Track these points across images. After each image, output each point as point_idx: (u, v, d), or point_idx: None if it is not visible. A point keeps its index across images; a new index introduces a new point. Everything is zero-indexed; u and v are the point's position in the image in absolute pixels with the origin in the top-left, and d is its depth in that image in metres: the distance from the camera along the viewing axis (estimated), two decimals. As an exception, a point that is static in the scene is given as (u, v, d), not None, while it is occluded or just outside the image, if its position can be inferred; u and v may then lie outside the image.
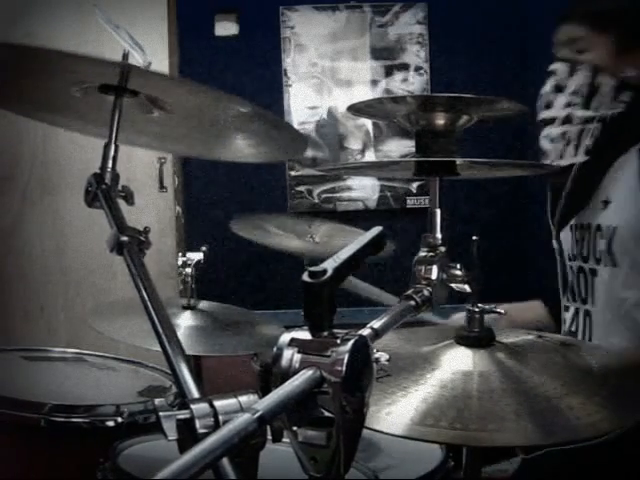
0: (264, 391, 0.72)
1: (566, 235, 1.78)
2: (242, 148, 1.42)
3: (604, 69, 1.63)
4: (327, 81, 3.61)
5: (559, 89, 1.66)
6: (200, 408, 0.72)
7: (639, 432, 1.13)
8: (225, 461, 0.74)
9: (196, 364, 1.92)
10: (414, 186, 3.61)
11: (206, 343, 1.87)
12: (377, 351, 0.80)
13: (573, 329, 1.74)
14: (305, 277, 0.74)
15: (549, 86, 1.68)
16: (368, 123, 3.61)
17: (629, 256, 1.60)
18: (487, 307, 1.13)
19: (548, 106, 1.68)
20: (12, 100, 1.31)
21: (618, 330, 1.63)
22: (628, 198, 1.61)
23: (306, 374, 0.72)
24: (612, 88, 1.62)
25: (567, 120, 1.65)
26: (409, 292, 0.99)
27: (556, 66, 1.68)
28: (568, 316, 1.76)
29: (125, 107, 1.19)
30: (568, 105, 1.65)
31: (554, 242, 1.80)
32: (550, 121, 1.67)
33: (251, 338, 1.95)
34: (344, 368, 0.72)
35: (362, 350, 0.75)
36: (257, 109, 1.20)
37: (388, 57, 3.62)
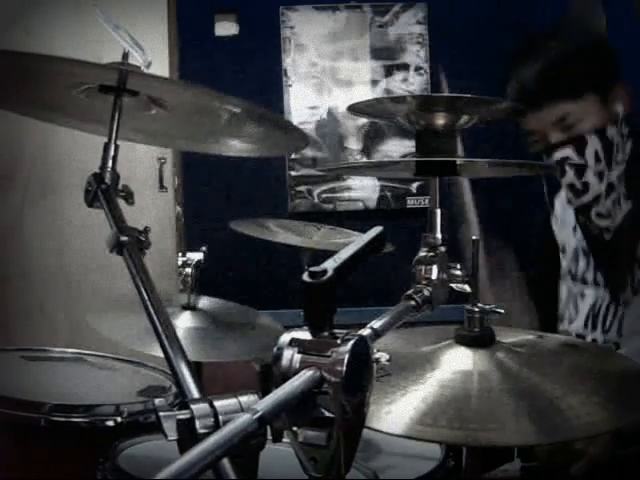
0: (264, 391, 0.72)
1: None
2: (242, 145, 1.42)
3: (606, 124, 1.61)
4: (327, 81, 3.61)
5: (581, 171, 1.62)
6: (200, 408, 0.72)
7: None
8: (225, 461, 0.74)
9: (197, 368, 1.92)
10: (414, 186, 3.61)
11: (206, 347, 1.87)
12: (377, 351, 0.80)
13: None
14: (305, 277, 0.74)
15: (571, 174, 1.63)
16: (368, 123, 3.61)
17: None
18: (487, 307, 1.13)
19: (585, 191, 1.63)
20: (12, 100, 1.32)
21: None
22: None
23: (306, 374, 0.72)
24: (618, 134, 1.61)
25: (610, 189, 1.63)
26: (409, 292, 0.99)
27: (563, 153, 1.62)
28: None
29: (124, 104, 1.19)
30: (601, 178, 1.61)
31: (592, 281, 1.76)
32: (595, 201, 1.64)
33: (251, 341, 1.95)
34: (344, 368, 0.72)
35: (362, 350, 0.75)
36: (254, 108, 1.21)
37: (388, 57, 3.61)
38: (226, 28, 3.58)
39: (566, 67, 1.65)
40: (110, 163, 1.20)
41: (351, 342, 0.74)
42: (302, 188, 3.60)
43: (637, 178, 1.63)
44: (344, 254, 0.80)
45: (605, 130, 1.60)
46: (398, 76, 3.62)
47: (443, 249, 1.05)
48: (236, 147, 1.44)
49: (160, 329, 0.99)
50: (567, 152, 1.62)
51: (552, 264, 1.88)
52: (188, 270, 1.91)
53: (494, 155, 1.09)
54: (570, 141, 1.62)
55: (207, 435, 0.64)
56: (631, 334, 1.65)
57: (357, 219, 3.53)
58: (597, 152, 1.61)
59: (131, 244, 1.09)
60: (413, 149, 1.08)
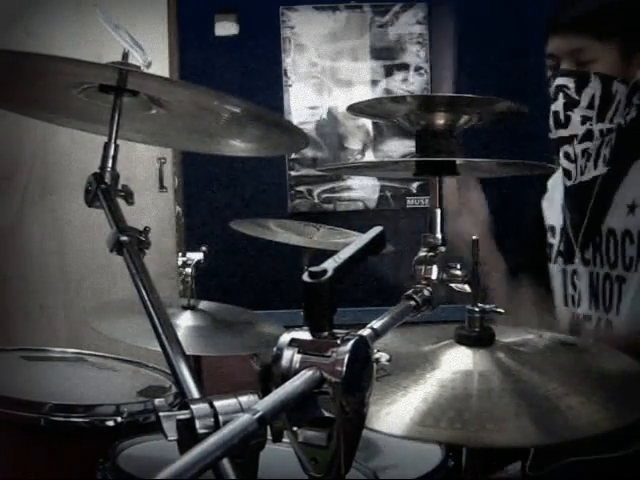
0: (264, 391, 0.72)
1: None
2: (242, 144, 1.42)
3: (615, 77, 1.59)
4: (327, 81, 3.61)
5: (571, 105, 1.61)
6: (200, 408, 0.72)
7: None
8: (225, 461, 0.74)
9: (196, 364, 1.92)
10: (414, 186, 3.61)
11: (206, 343, 1.87)
12: (377, 351, 0.80)
13: None
14: (305, 277, 0.74)
15: (560, 103, 1.62)
16: (368, 123, 3.61)
17: None
18: (487, 307, 1.13)
19: (564, 124, 1.62)
20: (12, 100, 1.32)
21: None
22: None
23: (306, 374, 0.72)
24: (625, 95, 1.58)
25: (587, 137, 1.60)
26: (409, 292, 0.99)
27: (563, 80, 1.62)
28: (591, 326, 1.70)
29: (124, 104, 1.19)
30: (585, 121, 1.60)
31: (576, 259, 1.74)
32: (569, 139, 1.62)
33: (251, 338, 1.95)
34: (344, 368, 0.72)
35: (362, 350, 0.75)
36: (254, 108, 1.21)
37: (388, 57, 3.61)
38: (226, 28, 3.58)
39: (605, 4, 1.64)
40: (110, 163, 1.20)
41: (351, 342, 0.74)
42: (302, 188, 3.60)
43: (625, 149, 1.61)
44: (344, 254, 0.80)
45: (613, 82, 1.59)
46: (398, 76, 3.62)
47: (443, 249, 1.05)
48: (236, 147, 1.44)
49: (160, 329, 0.99)
50: (567, 81, 1.61)
51: (540, 249, 1.87)
52: (188, 270, 1.91)
53: (494, 155, 1.09)
54: (574, 72, 1.61)
55: (207, 435, 0.64)
56: (628, 312, 1.63)
57: (357, 219, 3.52)
58: (594, 96, 1.59)
59: (131, 244, 1.09)
60: (413, 149, 1.08)
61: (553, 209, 1.83)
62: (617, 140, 1.60)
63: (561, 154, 1.65)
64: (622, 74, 1.59)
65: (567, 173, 1.67)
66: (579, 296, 1.74)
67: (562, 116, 1.62)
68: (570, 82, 1.61)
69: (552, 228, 1.83)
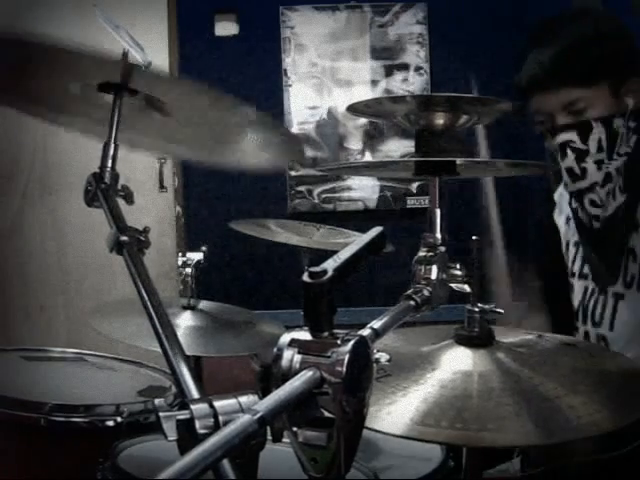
0: (264, 391, 0.72)
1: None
2: (242, 153, 1.42)
3: (614, 115, 1.60)
4: (327, 81, 3.61)
5: (583, 156, 1.61)
6: (200, 408, 0.72)
7: None
8: (225, 461, 0.74)
9: (196, 364, 1.92)
10: (414, 186, 3.61)
11: (206, 343, 1.87)
12: (377, 351, 0.80)
13: None
14: (305, 277, 0.74)
15: (571, 158, 1.62)
16: (368, 123, 3.61)
17: None
18: (487, 307, 1.13)
19: (581, 177, 1.63)
20: (10, 95, 1.31)
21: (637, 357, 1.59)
22: None
23: (306, 375, 0.72)
24: (624, 126, 1.60)
25: (607, 179, 1.62)
26: (409, 292, 0.99)
27: (567, 136, 1.62)
28: (579, 337, 1.73)
29: (124, 110, 1.19)
30: (600, 166, 1.61)
31: (575, 270, 1.76)
32: (591, 188, 1.63)
33: (251, 338, 1.95)
34: (344, 369, 0.72)
35: (362, 351, 0.75)
36: (254, 109, 1.20)
37: (388, 57, 3.62)
38: (226, 28, 3.58)
39: (584, 52, 1.64)
40: (110, 163, 1.20)
41: (351, 342, 0.74)
42: (302, 188, 3.60)
43: (636, 173, 1.62)
44: (344, 254, 0.80)
45: (613, 120, 1.60)
46: (398, 76, 3.62)
47: (443, 249, 1.05)
48: (236, 157, 1.44)
49: (160, 329, 0.99)
50: (571, 135, 1.62)
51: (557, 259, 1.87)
52: (188, 270, 1.91)
53: (494, 155, 1.09)
54: (576, 125, 1.62)
55: (207, 435, 0.64)
56: (626, 329, 1.64)
57: (357, 219, 3.53)
58: (600, 140, 1.60)
59: (131, 244, 1.09)
60: (413, 149, 1.08)
61: (564, 223, 1.84)
62: (625, 166, 1.61)
63: (586, 203, 1.66)
64: (617, 109, 1.61)
65: (596, 218, 1.67)
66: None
67: (577, 170, 1.63)
68: (574, 135, 1.61)
69: (567, 244, 1.83)
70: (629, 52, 1.67)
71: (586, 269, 1.74)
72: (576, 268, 1.78)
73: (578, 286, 1.76)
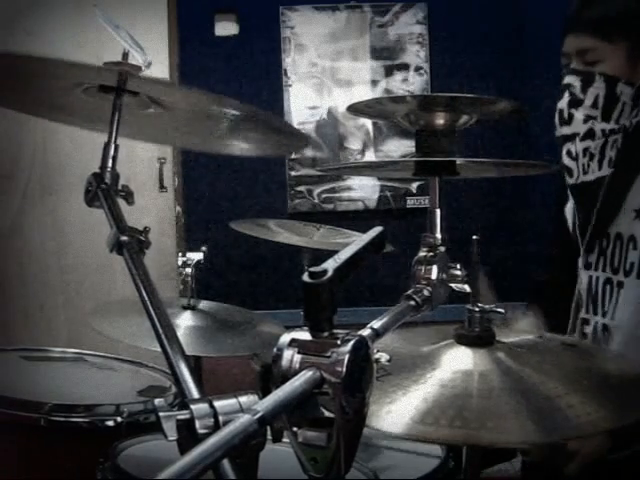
0: (264, 391, 0.72)
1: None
2: (241, 145, 1.42)
3: (620, 78, 1.59)
4: (327, 81, 3.61)
5: (576, 103, 1.62)
6: (200, 408, 0.72)
7: None
8: (225, 461, 0.74)
9: (196, 364, 1.92)
10: (414, 186, 3.61)
11: (206, 343, 1.87)
12: (377, 351, 0.80)
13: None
14: (305, 277, 0.74)
15: (565, 101, 1.63)
16: (368, 123, 3.61)
17: None
18: (487, 307, 1.13)
19: (567, 122, 1.64)
20: (12, 98, 1.31)
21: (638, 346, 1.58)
22: None
23: (306, 375, 0.72)
24: (631, 97, 1.59)
25: (589, 135, 1.61)
26: (409, 292, 0.99)
27: (570, 79, 1.63)
28: (589, 330, 1.71)
29: (124, 103, 1.19)
30: (588, 119, 1.61)
31: (580, 260, 1.73)
32: (571, 137, 1.64)
33: (251, 338, 1.95)
34: (344, 369, 0.72)
35: (362, 351, 0.75)
36: (254, 111, 1.21)
37: (388, 57, 3.61)
38: (226, 28, 3.58)
39: (609, 3, 1.66)
40: (110, 163, 1.20)
41: (351, 342, 0.74)
42: (302, 188, 3.60)
43: (634, 152, 1.61)
44: (344, 254, 0.80)
45: (617, 83, 1.59)
46: (398, 76, 3.62)
47: (443, 249, 1.05)
48: (236, 147, 1.44)
49: (160, 329, 0.99)
50: (574, 80, 1.63)
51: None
52: (188, 270, 1.91)
53: (494, 155, 1.09)
54: (580, 72, 1.63)
55: (207, 435, 0.64)
56: (627, 317, 1.63)
57: (357, 219, 3.53)
58: (598, 96, 1.60)
59: (131, 244, 1.09)
60: (413, 149, 1.08)
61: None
62: (624, 142, 1.60)
63: (563, 151, 1.66)
64: (628, 76, 1.60)
65: (569, 171, 1.67)
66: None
67: (566, 114, 1.64)
68: (576, 81, 1.62)
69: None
70: None
71: (590, 258, 1.72)
72: (581, 260, 1.76)
73: (584, 276, 1.74)
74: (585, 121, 1.61)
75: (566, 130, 1.64)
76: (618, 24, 1.63)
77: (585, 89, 1.61)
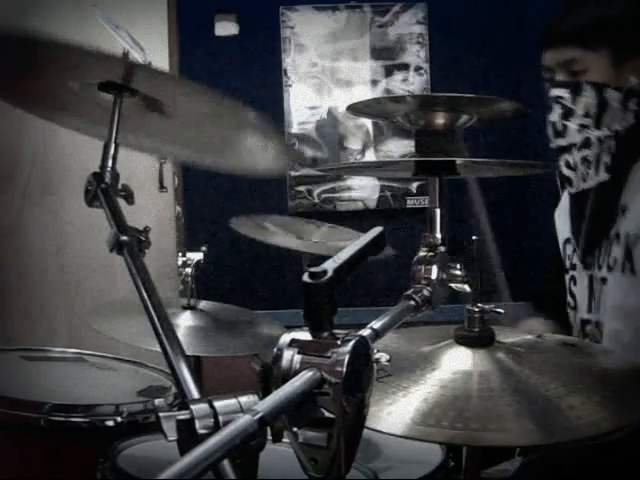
0: (264, 392, 0.72)
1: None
2: (241, 156, 1.42)
3: (608, 84, 1.61)
4: (327, 81, 3.61)
5: (568, 115, 1.63)
6: (200, 409, 0.72)
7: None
8: (225, 461, 0.74)
9: (196, 364, 1.92)
10: (414, 186, 3.61)
11: (206, 343, 1.87)
12: (377, 351, 0.80)
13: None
14: (305, 278, 0.74)
15: (557, 113, 1.64)
16: (368, 123, 3.61)
17: None
18: (487, 307, 1.13)
19: (561, 134, 1.65)
20: (10, 92, 1.30)
21: (631, 342, 1.59)
22: None
23: (306, 375, 0.72)
24: (620, 101, 1.61)
25: (585, 144, 1.63)
26: (409, 292, 0.99)
27: (558, 91, 1.64)
28: (590, 330, 1.72)
29: (124, 111, 1.19)
30: (582, 128, 1.62)
31: (579, 263, 1.75)
32: (567, 148, 1.65)
33: (251, 338, 1.95)
34: (344, 369, 0.72)
35: (362, 351, 0.75)
36: (252, 112, 1.20)
37: (388, 57, 3.61)
38: (226, 28, 3.58)
39: (588, 11, 1.68)
40: (110, 163, 1.20)
41: (351, 343, 0.74)
42: (302, 188, 3.60)
43: (626, 156, 1.63)
44: (344, 255, 0.80)
45: (606, 89, 1.61)
46: (398, 76, 3.62)
47: (443, 249, 1.05)
48: (233, 159, 1.43)
49: (160, 329, 0.99)
50: (562, 92, 1.64)
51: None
52: (188, 270, 1.91)
53: (494, 155, 1.09)
54: (568, 83, 1.64)
55: (207, 436, 0.64)
56: (613, 312, 1.64)
57: (357, 219, 3.52)
58: (588, 104, 1.62)
59: (131, 244, 1.09)
60: (413, 149, 1.08)
61: (567, 220, 1.84)
62: (617, 146, 1.62)
63: (562, 163, 1.67)
64: (615, 82, 1.62)
65: (568, 181, 1.69)
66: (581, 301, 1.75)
67: (559, 126, 1.65)
68: (565, 92, 1.64)
69: (569, 239, 1.83)
70: (638, 24, 1.67)
71: (589, 258, 1.73)
72: (577, 259, 1.77)
73: (581, 276, 1.75)
74: (579, 131, 1.63)
75: (561, 142, 1.66)
76: (599, 32, 1.64)
77: (575, 99, 1.63)
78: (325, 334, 0.75)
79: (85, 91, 1.21)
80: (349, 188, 3.61)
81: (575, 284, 1.78)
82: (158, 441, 1.53)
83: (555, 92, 1.65)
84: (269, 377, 0.74)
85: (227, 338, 1.92)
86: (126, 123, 1.19)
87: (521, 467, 1.73)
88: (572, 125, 1.63)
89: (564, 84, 1.64)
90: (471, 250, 1.14)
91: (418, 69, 3.61)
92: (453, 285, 1.05)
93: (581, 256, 1.74)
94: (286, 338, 0.75)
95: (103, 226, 1.13)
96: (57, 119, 1.48)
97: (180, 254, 1.97)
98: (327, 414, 0.73)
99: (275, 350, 0.75)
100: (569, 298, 1.79)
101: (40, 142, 3.27)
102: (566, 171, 1.67)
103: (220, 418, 0.72)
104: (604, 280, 1.67)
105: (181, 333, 1.83)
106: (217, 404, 0.73)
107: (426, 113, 1.05)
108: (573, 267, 1.79)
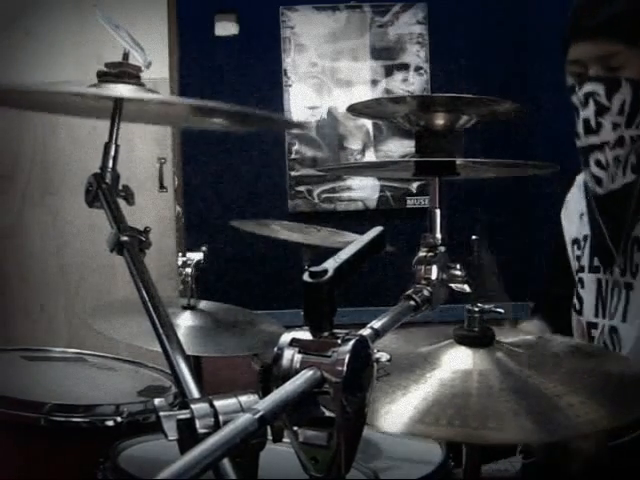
0: (264, 391, 0.72)
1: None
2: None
3: None
4: (327, 81, 3.61)
5: (603, 111, 1.58)
6: (200, 408, 0.72)
7: None
8: (225, 461, 0.74)
9: (196, 364, 1.92)
10: (414, 186, 3.61)
11: (206, 343, 1.87)
12: (377, 351, 0.80)
13: None
14: (305, 277, 0.74)
15: (591, 109, 1.59)
16: (368, 123, 3.61)
17: None
18: (487, 307, 1.13)
19: (595, 131, 1.60)
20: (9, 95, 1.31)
21: None
22: None
23: (307, 374, 0.72)
24: None
25: (619, 143, 1.58)
26: (409, 292, 0.99)
27: (593, 87, 1.59)
28: (597, 334, 1.71)
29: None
30: (615, 127, 1.58)
31: (586, 265, 1.73)
32: (600, 146, 1.60)
33: (251, 338, 1.95)
34: (345, 368, 0.72)
35: (363, 350, 0.75)
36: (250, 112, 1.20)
37: (388, 57, 3.62)
38: (226, 28, 3.58)
39: (632, 6, 1.61)
40: (110, 163, 1.20)
41: (351, 342, 0.74)
42: (302, 188, 3.60)
43: None
44: (344, 254, 0.80)
45: (638, 90, 1.56)
46: (398, 76, 3.62)
47: (443, 249, 1.06)
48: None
49: (160, 329, 0.99)
50: (597, 88, 1.59)
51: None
52: (188, 270, 1.91)
53: (494, 155, 1.09)
54: (605, 79, 1.59)
55: (207, 435, 0.64)
56: (637, 319, 1.62)
57: (357, 219, 3.53)
58: (624, 102, 1.57)
59: (131, 244, 1.09)
60: (413, 149, 1.08)
61: (575, 221, 1.82)
62: None
63: (591, 161, 1.62)
64: None
65: (598, 181, 1.64)
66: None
67: (593, 123, 1.60)
68: (600, 88, 1.59)
69: (576, 240, 1.81)
70: None
71: (596, 262, 1.71)
72: (585, 262, 1.76)
73: (589, 280, 1.74)
74: (614, 129, 1.58)
75: (594, 139, 1.61)
76: (636, 24, 1.59)
77: (611, 96, 1.58)
78: (325, 334, 0.75)
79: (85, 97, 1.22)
80: (349, 188, 3.61)
81: (583, 286, 1.76)
82: (158, 441, 1.53)
83: (589, 87, 1.59)
84: (269, 377, 0.74)
85: (227, 338, 1.92)
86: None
87: (523, 468, 1.74)
88: (606, 123, 1.58)
89: (600, 79, 1.59)
90: (471, 250, 1.14)
91: (418, 69, 3.61)
92: (453, 285, 1.05)
93: (601, 259, 1.70)
94: (286, 338, 0.76)
95: (103, 226, 1.13)
96: (58, 110, 1.48)
97: (180, 254, 1.97)
98: (327, 413, 0.73)
99: (275, 350, 0.75)
100: (575, 300, 1.77)
101: (40, 142, 3.27)
102: (596, 170, 1.63)
103: (220, 417, 0.72)
104: (629, 285, 1.62)
105: (181, 333, 1.83)
106: (217, 403, 0.73)
107: (426, 113, 1.05)
108: (581, 269, 1.76)
